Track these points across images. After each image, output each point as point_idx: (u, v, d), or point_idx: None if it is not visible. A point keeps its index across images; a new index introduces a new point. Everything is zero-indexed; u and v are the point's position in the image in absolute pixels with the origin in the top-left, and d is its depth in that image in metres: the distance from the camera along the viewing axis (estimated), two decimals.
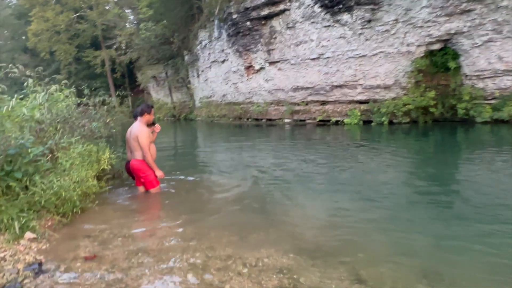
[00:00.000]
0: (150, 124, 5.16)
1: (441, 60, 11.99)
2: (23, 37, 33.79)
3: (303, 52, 14.32)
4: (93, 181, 3.88)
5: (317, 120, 15.14)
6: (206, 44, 20.05)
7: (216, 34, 18.38)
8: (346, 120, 14.14)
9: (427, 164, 6.32)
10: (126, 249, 2.63)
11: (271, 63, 15.77)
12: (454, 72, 11.84)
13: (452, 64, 11.59)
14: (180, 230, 3.08)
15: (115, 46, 28.64)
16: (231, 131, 15.60)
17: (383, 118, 13.01)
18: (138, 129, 4.02)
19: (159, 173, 4.13)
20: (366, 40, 12.60)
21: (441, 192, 4.27)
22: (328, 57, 13.68)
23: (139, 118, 4.19)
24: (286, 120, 16.59)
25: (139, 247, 2.67)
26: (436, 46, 11.76)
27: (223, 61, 18.75)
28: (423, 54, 11.99)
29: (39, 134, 3.83)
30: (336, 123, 14.62)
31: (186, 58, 24.96)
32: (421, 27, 11.47)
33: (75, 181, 3.37)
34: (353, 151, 8.25)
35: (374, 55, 12.66)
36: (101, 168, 4.42)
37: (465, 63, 11.45)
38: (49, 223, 3.07)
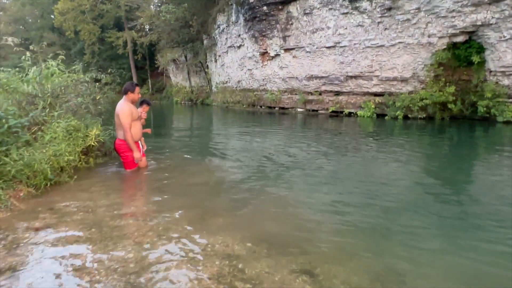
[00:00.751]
0: (143, 104, 5.16)
1: (464, 54, 11.28)
2: (52, 16, 34.73)
3: (319, 39, 13.88)
4: (74, 156, 3.92)
5: (330, 110, 14.78)
6: (224, 29, 19.85)
7: (233, 18, 18.13)
8: (359, 112, 13.71)
9: (438, 162, 5.88)
10: (82, 223, 2.64)
11: (286, 50, 15.42)
12: (478, 67, 11.12)
13: (475, 58, 10.87)
14: (144, 208, 3.06)
15: (136, 28, 28.91)
16: (243, 118, 15.52)
17: (398, 112, 12.50)
18: (120, 107, 4.00)
19: (137, 154, 4.11)
20: (385, 29, 12.02)
21: (447, 193, 3.86)
22: (344, 46, 13.19)
23: (124, 96, 4.17)
24: (299, 109, 16.31)
25: (95, 222, 2.67)
26: (460, 38, 11.05)
27: (239, 46, 18.53)
28: (445, 47, 11.31)
29: (24, 107, 3.88)
30: (349, 114, 14.22)
31: (205, 42, 24.89)
32: (444, 17, 10.78)
33: (51, 155, 3.40)
34: (362, 143, 7.94)
35: (393, 45, 12.07)
36: (88, 144, 4.45)
37: (490, 58, 10.72)
38: (20, 194, 3.12)
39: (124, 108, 3.98)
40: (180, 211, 3.02)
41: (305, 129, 10.91)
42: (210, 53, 24.32)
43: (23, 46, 35.78)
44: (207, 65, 26.26)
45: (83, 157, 4.52)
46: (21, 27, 38.28)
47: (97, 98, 4.71)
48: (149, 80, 35.78)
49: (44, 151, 3.38)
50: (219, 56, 21.90)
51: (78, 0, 27.97)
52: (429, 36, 11.32)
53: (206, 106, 26.49)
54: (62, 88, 4.44)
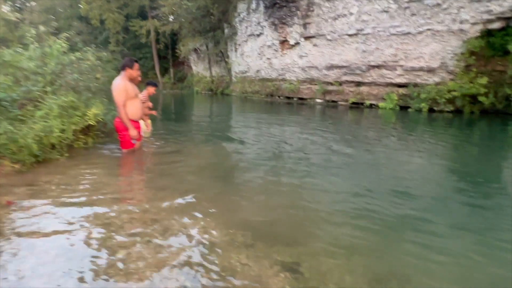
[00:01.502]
0: (148, 85, 5.00)
1: (499, 42, 10.35)
2: (80, 6, 35.56)
3: (341, 27, 13.24)
4: (68, 134, 3.79)
5: (350, 102, 14.18)
6: (244, 17, 19.47)
7: (254, 5, 17.71)
8: (381, 104, 13.04)
9: (463, 158, 5.26)
10: (55, 199, 2.47)
11: (307, 38, 14.87)
12: None
13: None
14: (127, 188, 2.87)
15: (159, 16, 29.06)
16: (260, 108, 15.22)
17: (423, 105, 11.76)
18: (115, 84, 3.82)
19: (132, 132, 3.93)
20: (412, 15, 11.24)
21: (469, 191, 3.39)
22: (367, 34, 12.51)
23: (122, 72, 3.98)
24: (318, 100, 15.79)
25: (70, 199, 2.50)
26: (496, 25, 10.13)
27: (258, 35, 18.13)
28: (478, 34, 10.43)
29: (20, 82, 3.78)
30: (370, 106, 13.58)
31: (226, 31, 24.61)
32: (479, 1, 9.91)
33: (39, 130, 3.27)
34: (381, 136, 7.40)
35: (420, 33, 11.29)
36: (86, 123, 4.33)
37: None
38: (4, 169, 3.02)
39: (119, 85, 3.79)
40: (164, 193, 2.81)
41: (322, 120, 10.46)
42: (231, 42, 24.03)
43: (53, 34, 37.04)
44: (228, 55, 26.01)
45: (83, 136, 4.40)
46: (51, 16, 39.51)
47: (98, 76, 4.57)
48: (171, 70, 36.03)
49: (33, 126, 3.26)
50: (239, 45, 21.59)
51: None
52: (461, 22, 10.47)
53: (225, 96, 26.34)
54: (61, 65, 4.32)
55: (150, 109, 5.89)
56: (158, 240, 2.04)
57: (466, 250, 2.13)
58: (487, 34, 10.43)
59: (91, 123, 4.38)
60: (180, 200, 2.69)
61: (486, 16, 10.02)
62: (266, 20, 16.61)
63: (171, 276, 1.69)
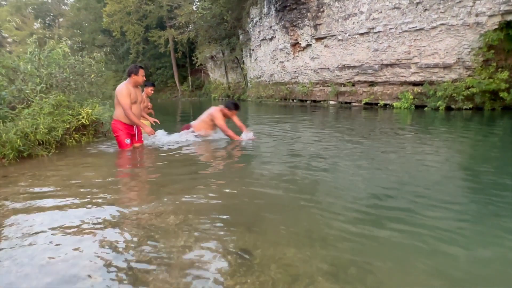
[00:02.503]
0: (147, 85, 5.11)
1: None
2: (103, 20, 37.31)
3: (352, 26, 13.00)
4: (57, 132, 3.89)
5: (363, 102, 13.82)
6: (257, 22, 19.61)
7: (265, 10, 17.81)
8: (396, 103, 12.61)
9: (482, 156, 4.85)
10: (22, 190, 2.51)
11: (318, 39, 14.71)
12: None
13: None
14: (90, 183, 2.85)
15: (176, 26, 29.86)
16: (273, 110, 15.13)
17: (439, 103, 11.25)
18: (119, 88, 4.01)
19: (147, 129, 4.17)
20: (425, 10, 10.85)
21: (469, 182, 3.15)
22: (378, 32, 12.19)
23: (128, 78, 4.12)
24: (331, 102, 15.52)
25: (40, 191, 2.53)
26: None
27: (271, 39, 18.16)
28: (496, 26, 9.88)
29: (14, 82, 3.94)
30: (385, 106, 13.16)
31: (240, 37, 24.90)
32: None
33: (24, 127, 3.37)
34: (395, 137, 6.98)
35: (433, 28, 10.86)
36: (80, 122, 4.43)
37: None
38: None
39: (123, 89, 3.95)
40: (133, 183, 2.79)
41: (334, 120, 10.20)
42: (246, 48, 24.26)
43: (79, 47, 38.92)
44: (243, 61, 26.26)
45: (77, 135, 4.51)
46: (77, 31, 41.63)
47: (91, 77, 4.69)
48: (189, 78, 36.81)
49: (19, 123, 3.37)
50: (253, 50, 21.73)
51: (124, 2, 29.56)
52: (477, 15, 9.99)
53: (242, 101, 26.48)
54: (58, 67, 4.48)
55: (149, 109, 5.98)
56: (112, 229, 2.00)
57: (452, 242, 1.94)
58: (506, 26, 9.86)
59: (84, 122, 4.47)
60: (146, 190, 2.66)
61: (504, 7, 9.50)
62: (277, 23, 16.63)
63: (116, 257, 1.65)
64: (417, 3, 10.91)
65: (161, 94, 38.42)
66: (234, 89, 29.95)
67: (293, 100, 18.09)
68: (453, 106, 11.15)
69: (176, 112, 15.95)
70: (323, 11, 13.95)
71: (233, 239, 1.94)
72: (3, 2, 47.45)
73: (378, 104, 13.37)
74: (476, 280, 1.58)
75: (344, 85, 14.56)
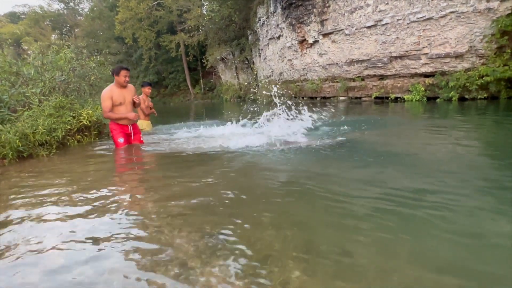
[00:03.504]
0: (144, 86, 5.20)
1: None
2: (116, 27, 38.21)
3: (358, 19, 12.79)
4: (58, 133, 4.00)
5: (373, 97, 13.57)
6: (264, 21, 19.61)
7: (272, 8, 17.78)
8: (407, 96, 12.31)
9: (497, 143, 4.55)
10: (15, 185, 2.60)
11: (325, 35, 14.56)
12: None
13: None
14: (83, 180, 2.92)
15: (186, 30, 30.25)
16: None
17: (452, 93, 10.90)
18: (102, 92, 4.07)
19: (131, 115, 4.18)
20: None
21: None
22: (386, 24, 11.94)
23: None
24: (341, 98, 15.32)
25: (31, 184, 2.62)
26: None
27: (278, 37, 18.11)
28: (509, 11, 9.48)
29: (14, 86, 4.09)
30: (396, 100, 12.87)
31: (249, 38, 24.96)
32: None
33: (23, 128, 3.49)
34: (405, 129, 6.78)
35: (443, 16, 10.54)
36: (81, 123, 4.55)
37: None
38: None
39: (104, 93, 4.05)
40: (123, 180, 2.84)
41: (345, 114, 10.02)
42: (255, 48, 24.30)
43: (94, 55, 40.02)
44: (253, 61, 26.31)
45: (79, 135, 4.63)
46: (92, 40, 42.82)
47: (92, 78, 4.82)
48: (201, 80, 37.18)
49: (18, 124, 3.49)
50: (261, 49, 21.74)
51: (135, 9, 30.20)
52: (488, 0, 9.62)
53: (253, 101, 26.51)
54: (60, 71, 4.62)
55: (151, 108, 6.07)
56: (93, 218, 2.05)
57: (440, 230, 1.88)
58: None
59: (85, 123, 4.58)
60: (131, 186, 2.70)
61: None
62: (284, 21, 16.57)
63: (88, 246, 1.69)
64: None
65: (174, 97, 38.98)
66: (245, 90, 30.04)
67: (303, 97, 17.96)
68: (466, 96, 10.78)
69: (189, 114, 16.10)
70: (328, 6, 13.80)
71: (208, 224, 1.94)
72: (23, 16, 49.45)
73: (389, 98, 13.09)
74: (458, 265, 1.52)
75: (354, 80, 14.34)
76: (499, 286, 1.33)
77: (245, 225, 1.92)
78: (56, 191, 2.54)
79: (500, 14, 9.59)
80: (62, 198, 2.40)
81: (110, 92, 4.09)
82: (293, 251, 1.64)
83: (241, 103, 26.73)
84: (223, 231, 1.85)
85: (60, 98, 4.22)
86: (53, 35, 50.56)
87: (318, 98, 16.81)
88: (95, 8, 42.30)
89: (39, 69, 4.63)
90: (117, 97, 4.16)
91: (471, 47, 10.43)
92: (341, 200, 2.26)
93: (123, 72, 4.18)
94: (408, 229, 1.81)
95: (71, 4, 49.20)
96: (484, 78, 10.19)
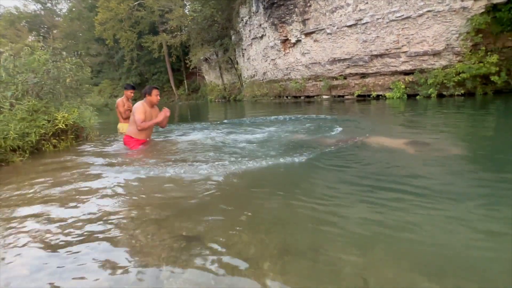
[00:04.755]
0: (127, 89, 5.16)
1: (507, 16, 9.66)
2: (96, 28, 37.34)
3: (339, 19, 12.95)
4: (32, 137, 3.87)
5: (355, 95, 13.77)
6: (247, 21, 19.59)
7: (254, 8, 17.78)
8: (388, 94, 12.55)
9: (475, 138, 4.68)
10: None
11: (307, 34, 14.67)
12: None
13: None
14: (50, 186, 2.83)
15: (168, 30, 29.89)
16: (270, 108, 15.08)
17: (431, 90, 11.18)
18: (135, 106, 4.25)
19: (160, 117, 4.30)
20: None
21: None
22: (366, 23, 12.13)
23: (144, 99, 4.38)
24: (324, 96, 15.47)
25: None
26: None
27: (261, 37, 18.14)
28: (483, 10, 9.81)
29: None
30: (377, 97, 13.10)
31: (233, 38, 24.88)
32: None
33: None
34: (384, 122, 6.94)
35: (420, 15, 10.79)
36: (57, 126, 4.41)
37: None
38: None
39: (139, 107, 4.18)
40: (95, 184, 2.77)
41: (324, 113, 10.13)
42: (238, 48, 24.24)
43: (73, 57, 39.03)
44: (237, 61, 26.24)
45: (55, 140, 4.49)
46: (71, 41, 41.73)
47: (67, 81, 4.67)
48: (185, 81, 36.83)
49: None
50: (245, 49, 21.71)
51: (116, 9, 29.60)
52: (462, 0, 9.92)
53: (238, 102, 26.41)
54: (32, 73, 4.46)
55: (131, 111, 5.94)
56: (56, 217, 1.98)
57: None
58: (493, 9, 9.79)
59: (61, 127, 4.45)
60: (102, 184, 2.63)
61: None
62: (266, 21, 16.60)
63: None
64: None
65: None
66: (230, 90, 29.92)
67: (287, 97, 18.06)
68: (444, 93, 11.08)
69: (173, 116, 15.88)
70: (310, 6, 13.91)
71: (185, 226, 1.91)
72: None
73: (371, 96, 13.31)
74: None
75: (336, 78, 14.50)
76: (473, 286, 1.35)
77: (221, 229, 1.90)
78: (29, 196, 2.45)
79: (474, 12, 9.89)
80: (33, 203, 2.31)
81: (143, 107, 4.23)
82: (269, 253, 1.63)
83: (226, 104, 26.64)
84: (198, 235, 1.82)
85: (33, 101, 4.08)
86: (30, 37, 48.97)
87: (302, 97, 16.92)
88: (73, 9, 41.23)
89: (10, 72, 4.45)
90: (148, 115, 4.28)
91: (448, 45, 10.73)
92: (317, 200, 2.27)
93: (155, 92, 4.32)
94: (384, 228, 1.82)
95: (49, 4, 47.80)
96: (460, 75, 10.49)
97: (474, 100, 9.84)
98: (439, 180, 2.54)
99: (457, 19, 10.23)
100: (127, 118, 5.88)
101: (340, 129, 5.33)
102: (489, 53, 10.12)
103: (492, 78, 10.05)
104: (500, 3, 9.60)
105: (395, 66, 12.19)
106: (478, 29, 9.99)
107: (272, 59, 17.81)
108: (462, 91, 10.72)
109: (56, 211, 2.20)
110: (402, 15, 11.11)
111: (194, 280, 1.44)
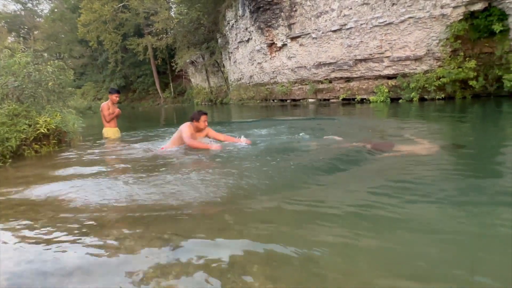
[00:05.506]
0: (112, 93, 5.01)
1: (484, 23, 10.07)
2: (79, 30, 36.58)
3: (324, 24, 13.16)
4: (12, 142, 3.77)
5: (340, 98, 13.99)
6: (233, 24, 19.65)
7: (240, 12, 17.86)
8: (372, 97, 12.81)
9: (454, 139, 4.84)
10: None
11: (293, 38, 14.83)
12: (501, 37, 9.87)
13: (497, 27, 9.65)
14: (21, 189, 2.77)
15: (154, 32, 29.63)
16: (256, 111, 15.14)
17: (413, 94, 11.49)
18: (182, 127, 4.25)
19: (214, 147, 4.11)
20: (393, 4, 11.08)
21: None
22: (350, 28, 12.38)
23: (191, 123, 4.31)
24: (310, 100, 15.66)
25: None
26: (478, 6, 9.88)
27: (247, 40, 18.22)
28: (461, 17, 10.18)
29: None
30: (362, 101, 13.35)
31: (219, 41, 24.88)
32: None
33: None
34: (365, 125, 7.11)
35: (402, 22, 11.10)
36: (38, 131, 4.31)
37: None
38: None
39: (186, 130, 4.17)
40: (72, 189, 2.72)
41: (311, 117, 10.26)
42: (225, 51, 24.25)
43: (55, 59, 38.16)
44: (223, 64, 26.23)
45: (36, 145, 4.38)
46: (53, 42, 40.76)
47: (49, 84, 4.57)
48: (171, 84, 36.51)
49: None
50: (231, 53, 21.75)
51: (99, 11, 29.14)
52: (441, 7, 10.26)
53: (224, 105, 26.37)
54: (12, 76, 4.35)
55: (112, 113, 5.86)
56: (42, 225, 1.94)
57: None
58: (470, 16, 10.18)
59: (43, 131, 4.35)
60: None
61: None
62: (252, 25, 16.69)
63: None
64: None
65: (143, 102, 37.97)
66: (216, 93, 29.84)
67: (273, 100, 18.17)
68: (426, 97, 11.40)
69: (159, 120, 15.71)
70: (295, 10, 14.08)
71: (169, 231, 1.90)
72: None
73: (355, 99, 13.55)
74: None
75: (322, 82, 14.70)
76: None
77: (208, 234, 1.91)
78: (11, 198, 2.39)
79: (453, 19, 10.25)
80: (16, 206, 2.26)
81: (190, 129, 4.22)
82: (257, 259, 1.64)
83: (212, 107, 26.55)
84: (184, 240, 1.82)
85: (14, 105, 3.97)
86: (9, 38, 47.55)
87: (288, 101, 17.06)
88: (55, 10, 40.28)
89: None
90: (195, 137, 4.28)
91: (428, 50, 11.06)
92: (304, 205, 2.30)
93: (203, 117, 4.28)
94: (371, 233, 1.87)
95: (29, 5, 46.62)
96: (441, 79, 10.83)
97: (454, 104, 10.19)
98: (427, 181, 2.62)
99: (437, 26, 10.57)
100: (110, 122, 5.80)
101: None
102: (467, 58, 10.50)
103: (471, 82, 10.43)
104: (477, 10, 9.99)
105: (378, 70, 12.47)
106: (457, 35, 10.35)
107: (258, 63, 17.90)
108: (443, 95, 11.06)
109: (36, 214, 2.15)
110: (385, 21, 11.40)
111: (179, 285, 1.44)
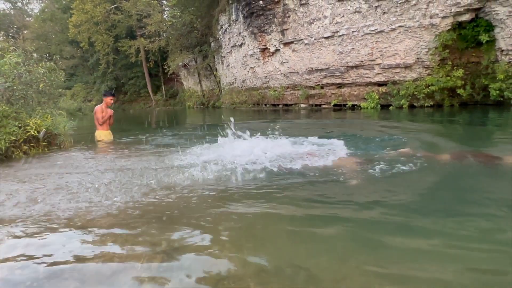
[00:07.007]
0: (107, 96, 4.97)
1: (471, 33, 10.36)
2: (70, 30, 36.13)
3: (317, 30, 13.33)
4: (0, 144, 3.71)
5: (332, 104, 14.15)
6: (226, 29, 19.72)
7: (234, 16, 17.95)
8: (363, 104, 12.99)
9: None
10: None
11: (285, 44, 14.97)
12: (487, 47, 10.16)
13: (484, 38, 9.94)
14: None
15: (146, 35, 29.49)
16: (248, 115, 15.16)
17: (403, 101, 11.69)
18: None
19: None
20: (384, 13, 11.31)
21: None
22: (342, 35, 12.57)
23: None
24: (302, 105, 15.78)
25: None
26: (466, 17, 10.16)
27: (241, 45, 18.30)
28: (449, 27, 10.44)
29: None
30: (353, 107, 13.52)
31: (212, 44, 24.90)
32: None
33: None
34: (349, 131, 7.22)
35: (393, 30, 11.33)
36: (28, 133, 4.25)
37: (501, 36, 9.75)
38: None
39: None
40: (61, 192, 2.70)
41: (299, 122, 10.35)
42: (217, 55, 24.28)
43: (46, 60, 37.56)
44: (216, 68, 26.24)
45: (26, 147, 4.32)
46: (43, 42, 40.14)
47: (40, 86, 4.52)
48: (163, 87, 36.31)
49: None
50: (224, 57, 21.80)
51: (91, 12, 28.90)
52: (431, 17, 10.51)
53: (216, 108, 26.32)
54: (1, 77, 4.29)
55: (110, 118, 5.83)
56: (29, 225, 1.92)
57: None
58: (458, 26, 10.45)
59: (33, 133, 4.30)
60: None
61: (455, 9, 10.06)
62: (246, 29, 16.79)
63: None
64: (376, 7, 11.35)
65: (134, 104, 37.61)
66: (208, 97, 29.78)
67: (265, 105, 18.24)
68: (415, 104, 11.62)
69: (151, 122, 15.59)
70: (289, 17, 14.23)
71: (160, 241, 1.91)
72: None
73: (347, 105, 13.71)
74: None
75: (314, 88, 14.85)
76: None
77: (203, 244, 1.91)
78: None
79: (442, 29, 10.51)
80: (5, 212, 2.23)
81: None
82: (251, 269, 1.66)
83: (204, 110, 26.47)
84: (179, 249, 1.82)
85: (4, 106, 3.92)
86: None
87: (280, 106, 17.16)
88: (46, 9, 39.76)
89: None
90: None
91: (418, 58, 11.30)
92: (295, 214, 2.34)
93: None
94: (361, 239, 1.91)
95: (19, 4, 45.94)
96: (430, 87, 11.06)
97: (442, 111, 10.41)
98: (418, 194, 2.68)
99: (426, 35, 10.82)
100: (103, 125, 5.75)
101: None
102: (455, 67, 10.76)
103: (458, 91, 10.68)
104: (464, 21, 10.26)
105: (369, 77, 12.66)
106: (446, 44, 10.60)
107: (251, 67, 17.98)
108: (431, 103, 11.29)
109: (26, 219, 2.13)
110: (376, 29, 11.61)
111: None
